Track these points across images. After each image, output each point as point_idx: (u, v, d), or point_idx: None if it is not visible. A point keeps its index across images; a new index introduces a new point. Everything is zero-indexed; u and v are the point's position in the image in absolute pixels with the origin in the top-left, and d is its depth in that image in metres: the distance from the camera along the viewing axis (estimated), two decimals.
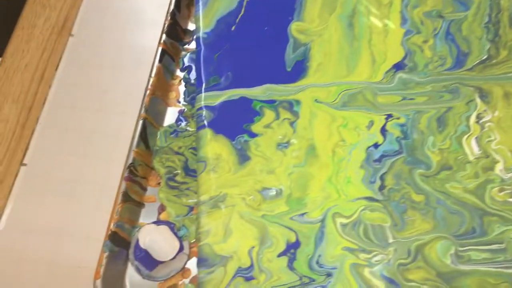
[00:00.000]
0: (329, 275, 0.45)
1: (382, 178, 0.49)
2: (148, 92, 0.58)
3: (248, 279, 0.46)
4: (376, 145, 0.50)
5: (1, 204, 0.52)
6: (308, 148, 0.51)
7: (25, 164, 0.55)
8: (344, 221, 0.48)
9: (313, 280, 0.45)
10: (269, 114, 0.53)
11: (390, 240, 0.46)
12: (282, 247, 0.47)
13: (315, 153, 0.51)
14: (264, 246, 0.47)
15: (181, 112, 0.62)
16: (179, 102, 0.63)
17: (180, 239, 0.52)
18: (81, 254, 0.50)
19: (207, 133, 0.53)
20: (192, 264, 0.52)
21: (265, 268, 0.46)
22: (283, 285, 0.45)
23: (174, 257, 0.51)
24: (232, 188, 0.50)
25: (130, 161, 0.54)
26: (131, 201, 0.54)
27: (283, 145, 0.51)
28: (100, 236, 0.50)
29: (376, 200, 0.48)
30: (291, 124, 0.52)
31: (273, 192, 0.49)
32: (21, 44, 0.61)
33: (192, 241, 0.53)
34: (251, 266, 0.46)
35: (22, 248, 0.50)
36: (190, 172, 0.57)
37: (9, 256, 0.50)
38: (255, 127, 0.53)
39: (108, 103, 0.58)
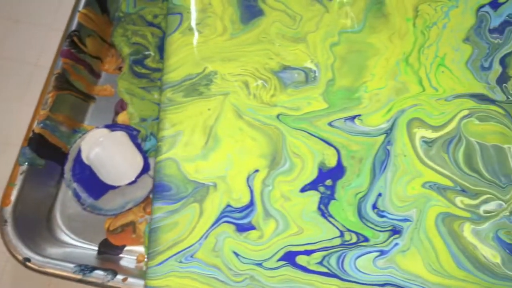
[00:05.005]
0: (396, 232, 0.33)
1: (503, 61, 0.37)
2: None
3: (242, 228, 0.33)
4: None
5: None
6: None
7: None
8: (430, 134, 0.35)
9: (366, 240, 0.33)
10: None
11: None
12: (310, 174, 0.34)
13: (382, 11, 0.38)
14: (276, 171, 0.34)
15: None
16: None
17: (145, 154, 0.43)
18: None
19: None
20: None
21: (275, 211, 0.33)
22: (308, 244, 0.32)
23: (134, 181, 0.41)
24: (227, 63, 0.37)
25: (72, 27, 0.44)
26: (71, 90, 0.44)
27: None
28: (16, 140, 0.42)
29: (492, 102, 0.36)
30: None
31: (301, 75, 0.37)
32: None
33: None
34: (251, 204, 0.34)
35: None
36: None
37: None
38: None
39: None
